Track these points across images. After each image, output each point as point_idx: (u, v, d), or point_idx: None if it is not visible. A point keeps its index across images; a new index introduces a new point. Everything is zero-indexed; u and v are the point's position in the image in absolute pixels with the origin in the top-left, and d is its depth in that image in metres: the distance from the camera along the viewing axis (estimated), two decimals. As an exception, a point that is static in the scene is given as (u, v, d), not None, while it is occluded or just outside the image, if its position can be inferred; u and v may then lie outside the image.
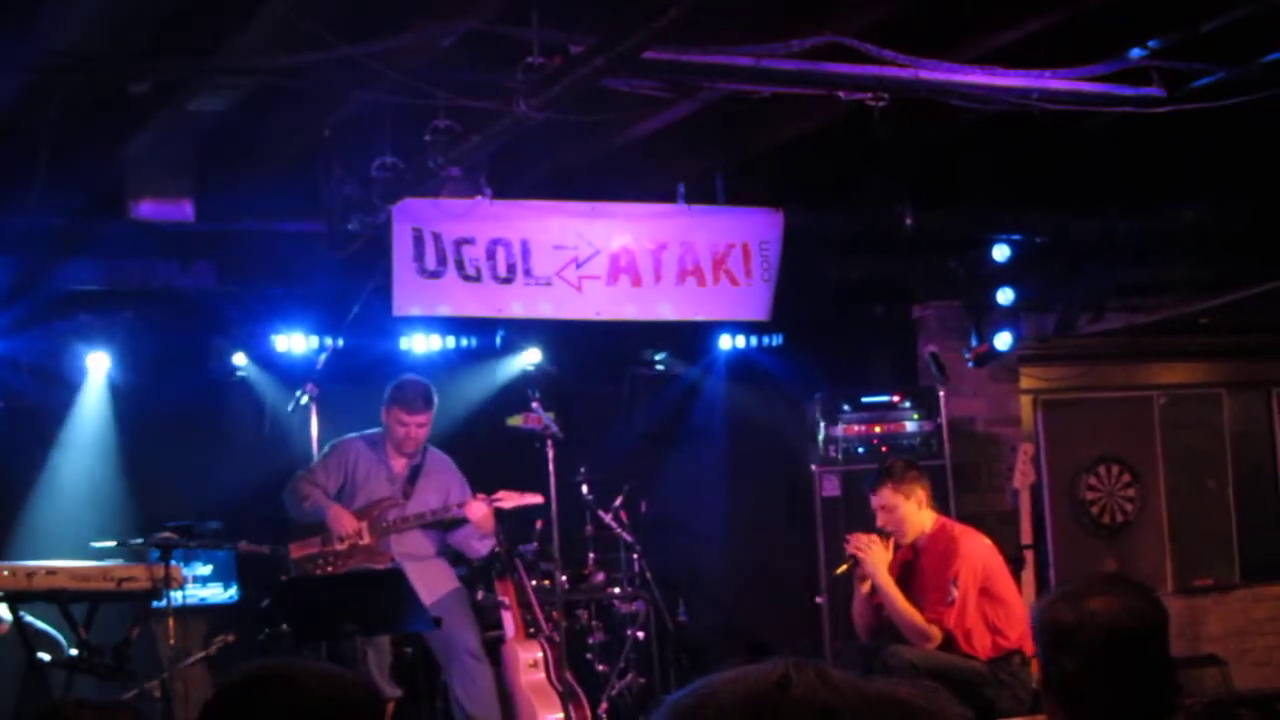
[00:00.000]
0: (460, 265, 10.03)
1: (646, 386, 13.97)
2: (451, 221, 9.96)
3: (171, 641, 10.02)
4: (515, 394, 11.76)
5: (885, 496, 9.45)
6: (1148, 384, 14.41)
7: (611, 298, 10.49)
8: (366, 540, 10.33)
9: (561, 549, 11.10)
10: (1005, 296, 12.25)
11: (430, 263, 9.94)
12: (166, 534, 10.30)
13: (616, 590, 12.12)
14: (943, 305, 13.10)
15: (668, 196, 10.60)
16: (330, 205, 9.75)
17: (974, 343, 12.61)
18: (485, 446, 11.65)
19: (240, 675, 3.32)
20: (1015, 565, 10.08)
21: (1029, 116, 8.60)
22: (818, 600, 11.30)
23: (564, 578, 11.36)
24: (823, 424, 12.33)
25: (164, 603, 10.05)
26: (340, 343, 11.66)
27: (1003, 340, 12.33)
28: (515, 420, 11.03)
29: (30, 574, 9.64)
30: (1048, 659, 3.90)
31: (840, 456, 12.29)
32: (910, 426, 12.43)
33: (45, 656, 9.72)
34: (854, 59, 7.91)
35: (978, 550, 9.38)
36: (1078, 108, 8.53)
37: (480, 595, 11.24)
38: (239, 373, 12.38)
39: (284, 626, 9.82)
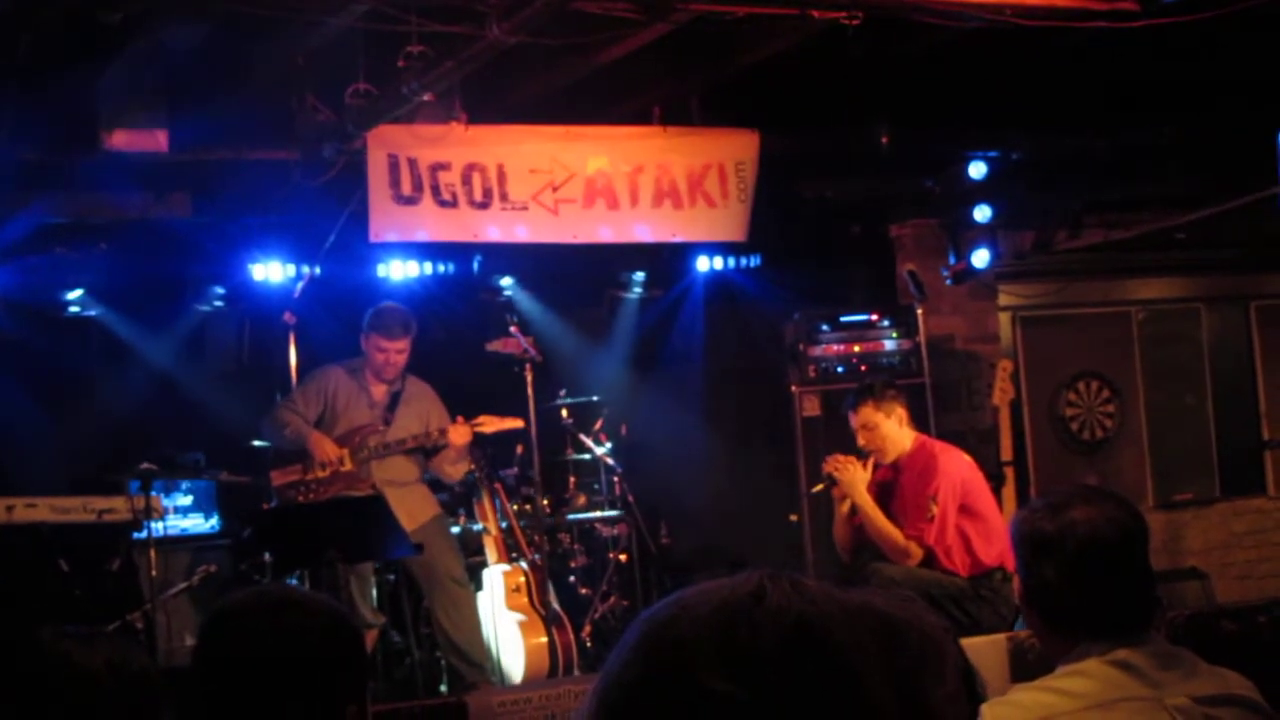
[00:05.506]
0: (436, 191, 10.01)
1: (625, 310, 13.97)
2: (426, 147, 9.94)
3: (154, 573, 10.04)
4: (494, 319, 11.76)
5: (866, 415, 9.45)
6: (1126, 300, 14.41)
7: (588, 221, 10.48)
8: (348, 467, 10.33)
9: (542, 473, 11.12)
10: (982, 214, 12.26)
11: (406, 189, 9.92)
12: (146, 465, 10.31)
13: (598, 514, 12.15)
14: (920, 224, 13.09)
15: (643, 120, 10.58)
16: (305, 133, 9.73)
17: (952, 261, 12.63)
18: (464, 372, 11.65)
19: (250, 595, 3.35)
20: (996, 482, 10.08)
21: (1004, 33, 8.57)
22: (792, 518, 11.30)
23: (545, 502, 11.39)
24: (801, 344, 12.31)
25: (144, 534, 10.08)
26: (318, 271, 11.65)
27: (980, 258, 12.35)
28: (494, 345, 11.04)
29: (9, 507, 9.66)
30: (1028, 570, 3.90)
31: (819, 376, 12.27)
32: (889, 345, 12.42)
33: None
34: (827, -23, 7.88)
35: (957, 466, 9.41)
36: (1051, 23, 8.48)
37: (461, 520, 11.27)
38: (217, 303, 12.37)
39: (265, 556, 9.82)
